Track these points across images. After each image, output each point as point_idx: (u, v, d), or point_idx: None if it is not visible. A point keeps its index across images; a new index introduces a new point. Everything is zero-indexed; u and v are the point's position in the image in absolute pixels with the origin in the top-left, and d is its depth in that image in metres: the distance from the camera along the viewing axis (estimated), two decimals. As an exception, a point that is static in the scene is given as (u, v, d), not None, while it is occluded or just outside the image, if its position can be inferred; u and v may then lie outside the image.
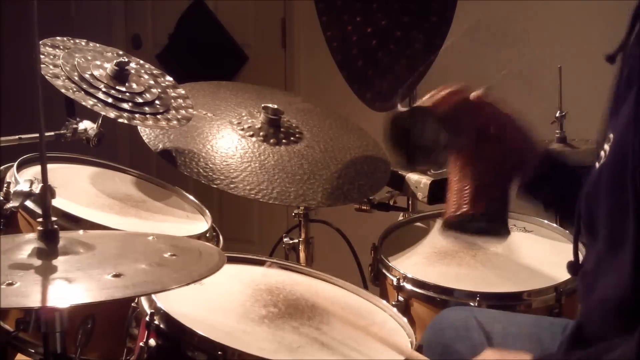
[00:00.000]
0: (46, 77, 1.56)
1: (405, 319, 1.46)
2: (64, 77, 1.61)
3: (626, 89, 1.05)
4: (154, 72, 1.83)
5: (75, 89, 1.61)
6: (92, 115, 1.75)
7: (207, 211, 1.84)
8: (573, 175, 1.29)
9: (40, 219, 1.12)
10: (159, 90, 1.75)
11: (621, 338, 0.98)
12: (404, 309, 1.66)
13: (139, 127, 1.74)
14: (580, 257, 1.23)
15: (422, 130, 1.30)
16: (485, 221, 1.34)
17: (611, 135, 1.07)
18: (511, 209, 1.35)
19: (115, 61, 1.70)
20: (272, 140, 1.81)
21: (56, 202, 1.23)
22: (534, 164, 1.32)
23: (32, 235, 1.14)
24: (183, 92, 1.81)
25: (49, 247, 1.11)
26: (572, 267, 1.24)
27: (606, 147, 1.08)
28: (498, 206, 1.34)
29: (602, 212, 1.05)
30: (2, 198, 1.59)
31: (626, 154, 0.99)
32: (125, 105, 1.65)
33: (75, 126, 1.82)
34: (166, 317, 1.27)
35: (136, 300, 1.36)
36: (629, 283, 0.99)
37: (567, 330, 1.24)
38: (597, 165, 1.10)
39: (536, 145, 1.34)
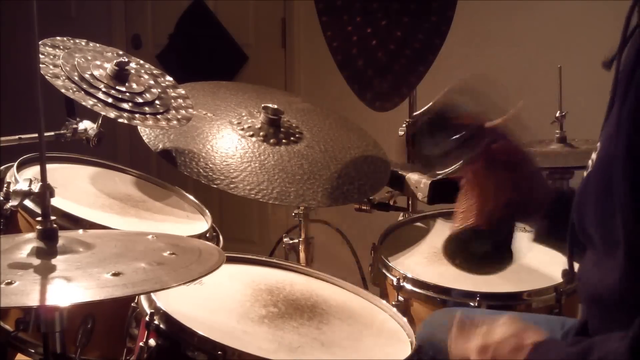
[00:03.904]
0: (46, 77, 1.56)
1: (405, 319, 1.46)
2: (64, 77, 1.61)
3: (614, 100, 1.08)
4: (154, 72, 1.83)
5: (75, 89, 1.60)
6: (92, 115, 1.75)
7: (207, 211, 1.84)
8: None
9: (39, 218, 1.12)
10: (159, 90, 1.75)
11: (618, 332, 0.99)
12: (404, 309, 1.66)
13: (139, 127, 1.74)
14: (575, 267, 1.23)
15: (434, 138, 1.29)
16: (491, 242, 1.32)
17: (598, 144, 1.10)
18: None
19: (115, 61, 1.69)
20: (272, 140, 1.81)
21: (56, 202, 1.23)
22: (544, 203, 1.31)
23: (31, 235, 1.14)
24: (183, 92, 1.81)
25: (48, 247, 1.11)
26: (567, 275, 1.25)
27: (593, 155, 1.11)
28: (504, 229, 1.32)
29: (591, 218, 1.07)
30: (2, 198, 1.59)
31: (611, 161, 1.00)
32: (125, 105, 1.65)
33: (75, 126, 1.82)
34: (166, 317, 1.27)
35: (136, 300, 1.36)
36: (622, 284, 1.00)
37: (571, 327, 1.24)
38: (584, 174, 1.13)
39: (547, 186, 1.35)
